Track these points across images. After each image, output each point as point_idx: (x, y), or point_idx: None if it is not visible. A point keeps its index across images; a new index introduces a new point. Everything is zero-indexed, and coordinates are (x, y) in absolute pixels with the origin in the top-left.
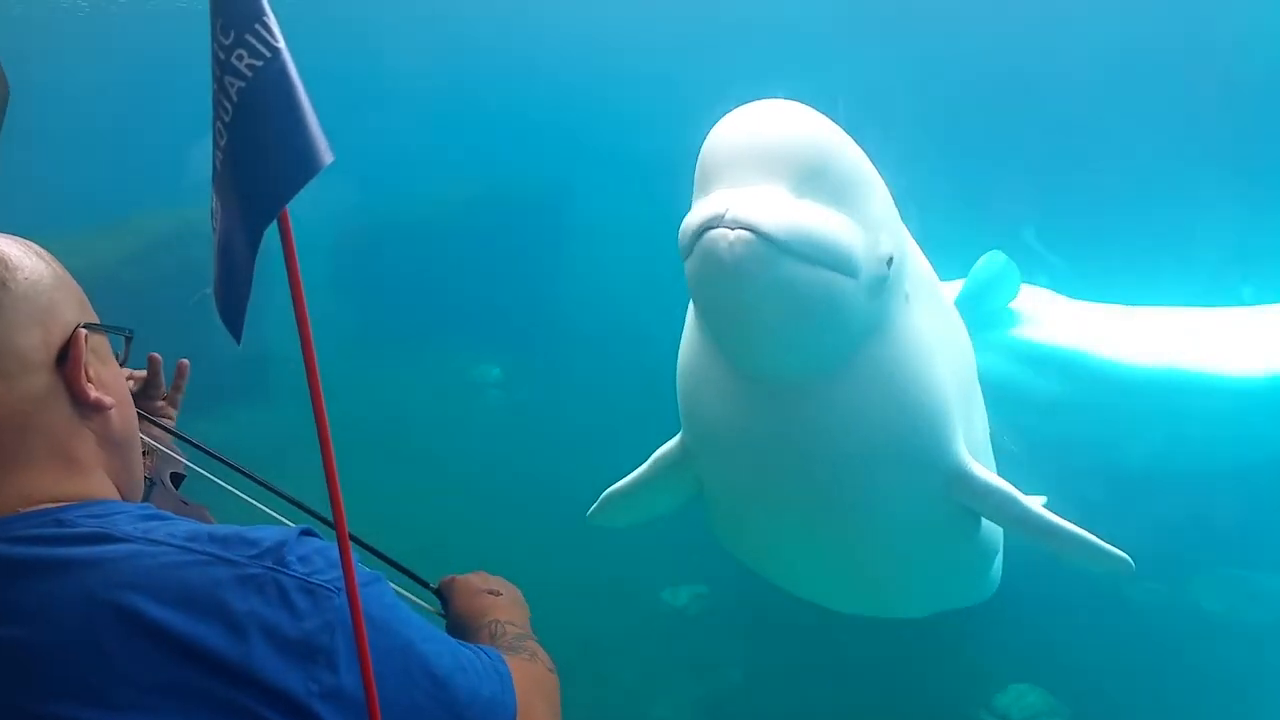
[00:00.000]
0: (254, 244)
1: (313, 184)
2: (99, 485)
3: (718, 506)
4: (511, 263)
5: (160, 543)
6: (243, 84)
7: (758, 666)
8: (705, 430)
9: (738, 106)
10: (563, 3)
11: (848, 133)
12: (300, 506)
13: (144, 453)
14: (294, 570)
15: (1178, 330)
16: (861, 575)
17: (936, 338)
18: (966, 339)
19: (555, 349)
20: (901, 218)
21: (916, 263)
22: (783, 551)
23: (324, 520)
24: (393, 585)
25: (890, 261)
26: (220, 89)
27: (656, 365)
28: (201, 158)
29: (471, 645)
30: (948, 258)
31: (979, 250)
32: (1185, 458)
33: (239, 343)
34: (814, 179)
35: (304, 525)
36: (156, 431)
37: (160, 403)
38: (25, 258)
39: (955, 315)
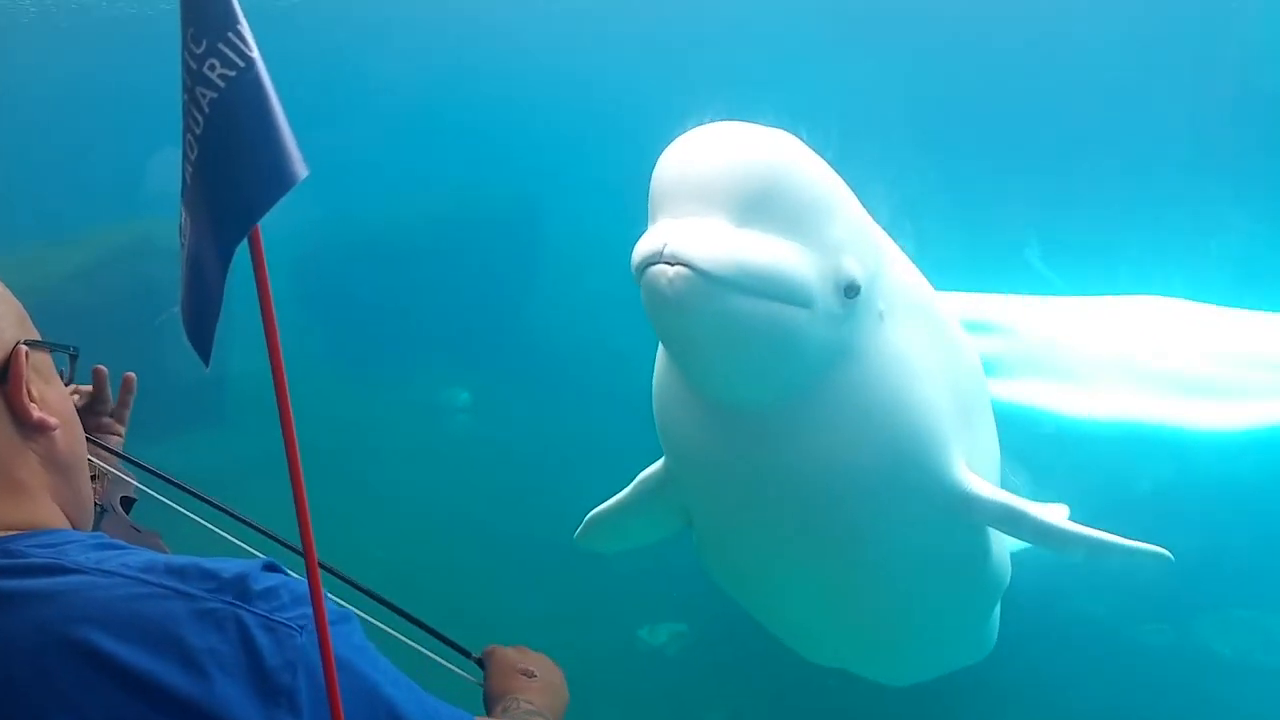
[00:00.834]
0: (225, 261)
1: None
2: (47, 512)
3: (703, 535)
4: (480, 279)
5: (114, 574)
6: (215, 95)
7: (741, 713)
8: (681, 455)
9: (694, 127)
10: (533, 14)
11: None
12: (262, 531)
13: (93, 476)
14: (256, 606)
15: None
16: (848, 619)
17: (920, 354)
18: (967, 352)
19: (527, 371)
20: (898, 226)
21: (896, 277)
22: (769, 588)
23: (289, 546)
24: (435, 656)
25: (853, 287)
26: (191, 100)
27: (636, 388)
28: (160, 169)
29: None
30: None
31: (981, 259)
32: (1193, 489)
33: (208, 366)
34: (758, 207)
35: (268, 559)
36: (105, 454)
37: (107, 419)
38: None
39: (951, 328)
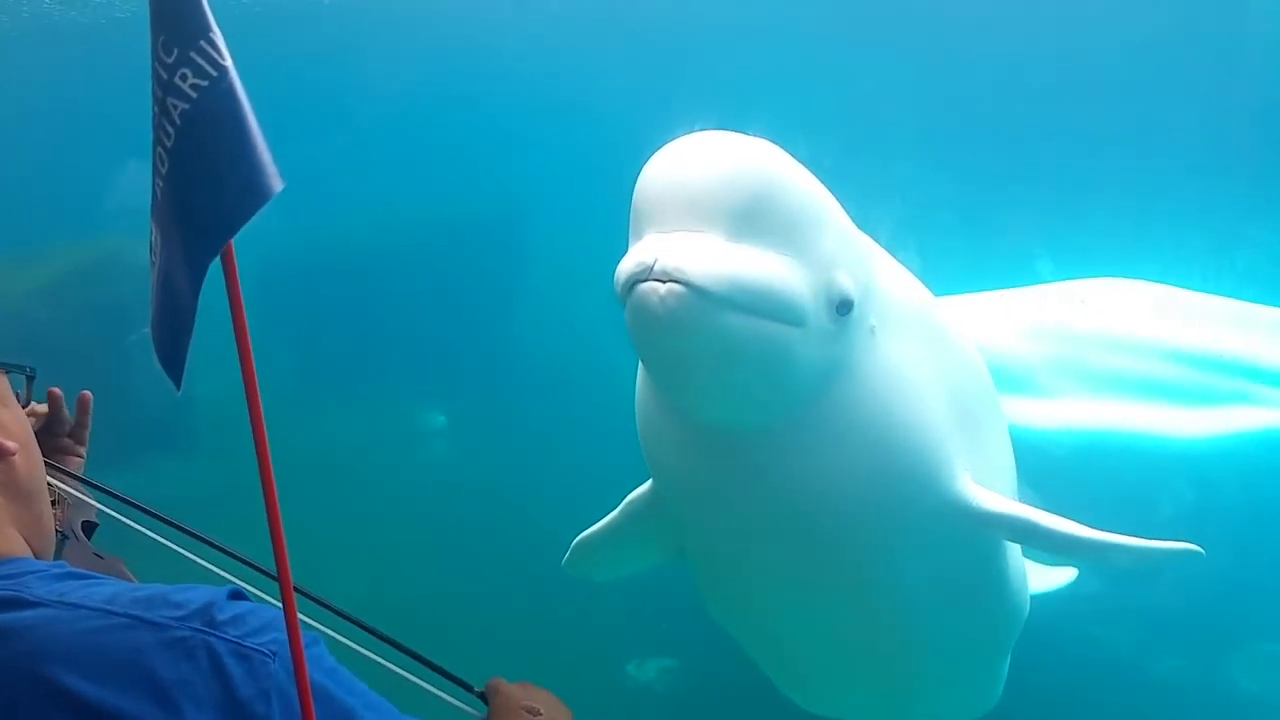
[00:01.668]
0: (197, 280)
1: None
2: (7, 540)
3: (696, 565)
4: (458, 298)
5: (78, 607)
6: (186, 106)
7: None
8: (669, 481)
9: (678, 137)
10: (517, 23)
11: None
12: (231, 554)
13: (53, 501)
14: (226, 633)
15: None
16: (853, 661)
17: (915, 367)
18: (971, 360)
19: (507, 392)
20: (899, 233)
21: (887, 289)
22: (765, 624)
23: (261, 569)
24: (435, 690)
25: (846, 303)
26: (162, 111)
27: (622, 407)
28: (128, 183)
29: None
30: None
31: (984, 263)
32: (1219, 515)
33: (179, 388)
34: (752, 221)
35: (234, 586)
36: (65, 478)
37: (66, 440)
38: None
39: (952, 336)
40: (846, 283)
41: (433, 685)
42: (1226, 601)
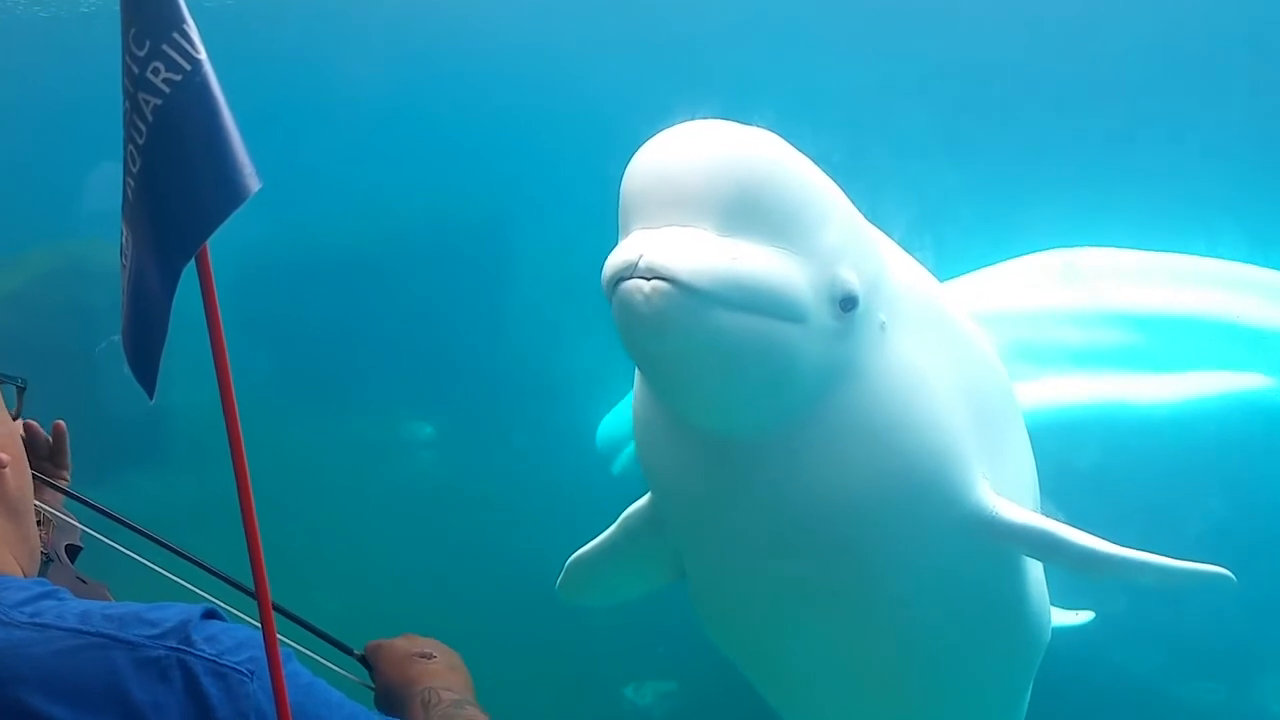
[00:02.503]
0: (170, 284)
1: None
2: None
3: (696, 587)
4: (445, 305)
5: (50, 627)
6: (159, 101)
7: None
8: (666, 491)
9: (668, 127)
10: (503, 20)
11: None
12: (218, 575)
13: (38, 522)
14: (202, 651)
15: None
16: (864, 688)
17: (929, 367)
18: (988, 361)
19: (498, 401)
20: (914, 231)
21: (898, 284)
22: (769, 648)
23: (238, 586)
24: (316, 656)
25: (850, 298)
26: (133, 107)
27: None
28: (97, 183)
29: None
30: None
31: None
32: (1249, 527)
33: (152, 398)
34: (745, 212)
35: (206, 606)
36: (49, 497)
37: (45, 464)
38: None
39: (969, 335)
40: (850, 277)
41: (312, 650)
42: (1255, 622)
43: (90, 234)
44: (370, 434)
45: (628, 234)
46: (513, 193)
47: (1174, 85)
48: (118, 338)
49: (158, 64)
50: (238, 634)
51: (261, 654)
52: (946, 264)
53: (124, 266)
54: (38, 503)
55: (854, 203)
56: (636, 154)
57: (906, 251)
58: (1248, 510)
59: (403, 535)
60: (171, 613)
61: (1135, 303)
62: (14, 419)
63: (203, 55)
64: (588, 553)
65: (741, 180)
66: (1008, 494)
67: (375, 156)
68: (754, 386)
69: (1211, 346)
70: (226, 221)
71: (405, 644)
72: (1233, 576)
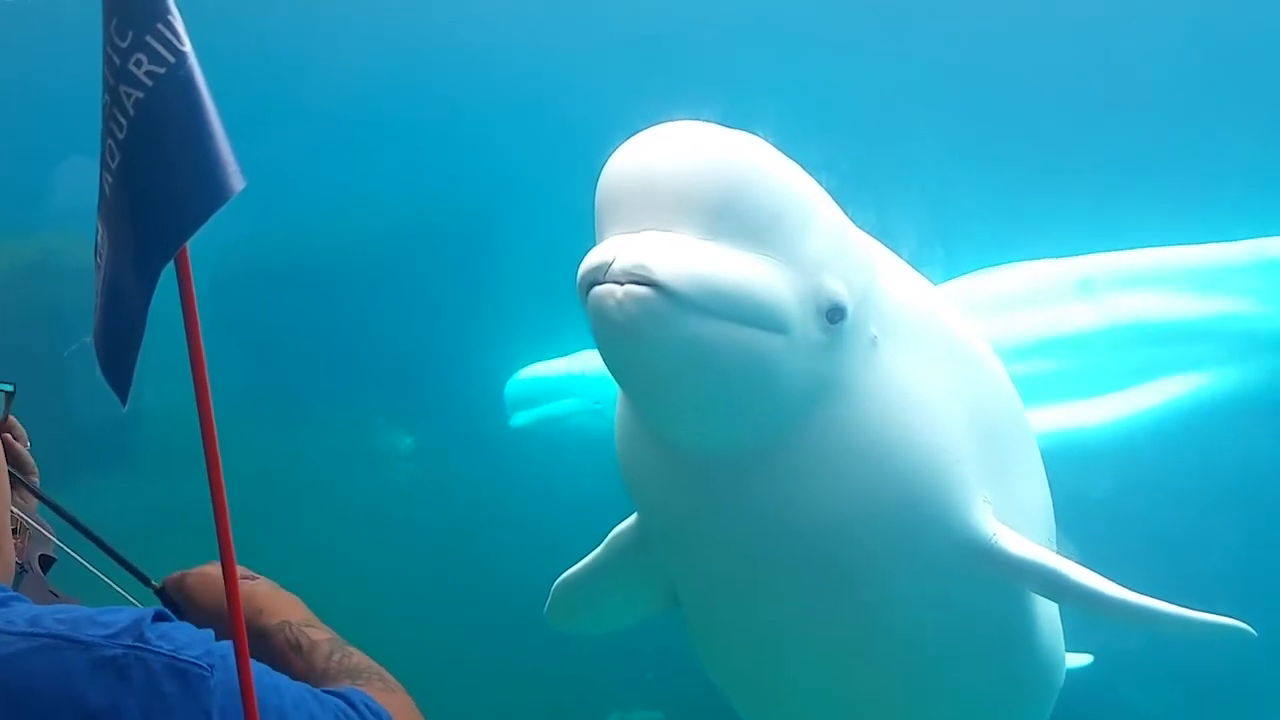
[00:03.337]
0: (148, 285)
1: None
2: None
3: (689, 614)
4: (425, 309)
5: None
6: (141, 94)
7: None
8: (649, 511)
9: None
10: (490, 20)
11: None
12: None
13: (14, 530)
14: (158, 647)
15: None
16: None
17: (925, 384)
18: (996, 378)
19: (479, 412)
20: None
21: (892, 295)
22: (760, 682)
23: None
24: (117, 588)
25: (837, 309)
26: (113, 100)
27: (602, 431)
28: (72, 178)
29: (339, 696)
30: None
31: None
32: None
33: (125, 404)
34: (726, 217)
35: (156, 609)
36: (22, 501)
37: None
38: None
39: (973, 351)
40: (838, 287)
41: (110, 579)
42: (1273, 663)
43: (64, 228)
44: (347, 445)
45: (603, 239)
46: (498, 197)
47: (1201, 86)
48: (89, 339)
49: (140, 55)
50: (189, 632)
51: (218, 649)
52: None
53: (98, 266)
54: (14, 509)
55: (860, 210)
56: (612, 156)
57: (914, 263)
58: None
59: (379, 551)
60: (124, 615)
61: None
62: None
63: (188, 48)
64: (575, 574)
65: (723, 183)
66: (1015, 523)
67: (360, 158)
68: (732, 400)
69: (1147, 353)
70: (208, 223)
71: (215, 569)
72: (1252, 631)
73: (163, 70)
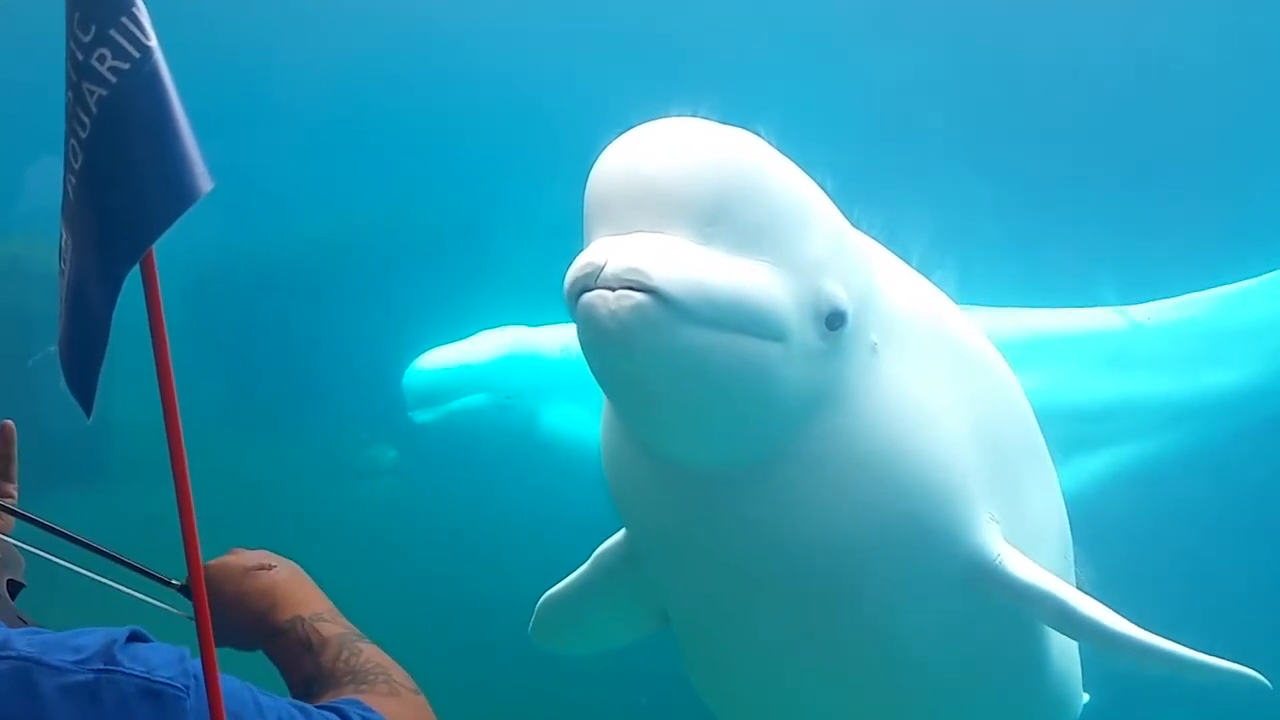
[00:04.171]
0: (112, 291)
1: None
2: None
3: (681, 635)
4: (407, 316)
5: None
6: (105, 92)
7: None
8: (636, 523)
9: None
10: (473, 17)
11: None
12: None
13: None
14: (130, 669)
15: None
16: None
17: (929, 394)
18: (1006, 389)
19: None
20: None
21: (895, 301)
22: (747, 700)
23: (179, 613)
24: (141, 596)
25: (837, 315)
26: (76, 98)
27: (594, 442)
28: (34, 180)
29: (333, 710)
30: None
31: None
32: None
33: (89, 415)
34: (720, 218)
35: (131, 628)
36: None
37: None
38: None
39: (980, 356)
40: (837, 292)
41: (133, 588)
42: None
43: (27, 231)
44: (328, 457)
45: (591, 241)
46: (484, 200)
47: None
48: (52, 349)
49: (104, 50)
50: (164, 652)
51: (193, 668)
52: (972, 287)
53: (62, 272)
54: None
55: (866, 215)
56: (602, 154)
57: (921, 268)
58: None
59: (361, 568)
60: (95, 637)
61: None
62: None
63: (153, 43)
64: (560, 592)
65: (718, 183)
66: (1025, 543)
67: (339, 159)
68: (728, 412)
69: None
70: (175, 225)
71: (236, 560)
72: (1267, 683)
73: (127, 66)
